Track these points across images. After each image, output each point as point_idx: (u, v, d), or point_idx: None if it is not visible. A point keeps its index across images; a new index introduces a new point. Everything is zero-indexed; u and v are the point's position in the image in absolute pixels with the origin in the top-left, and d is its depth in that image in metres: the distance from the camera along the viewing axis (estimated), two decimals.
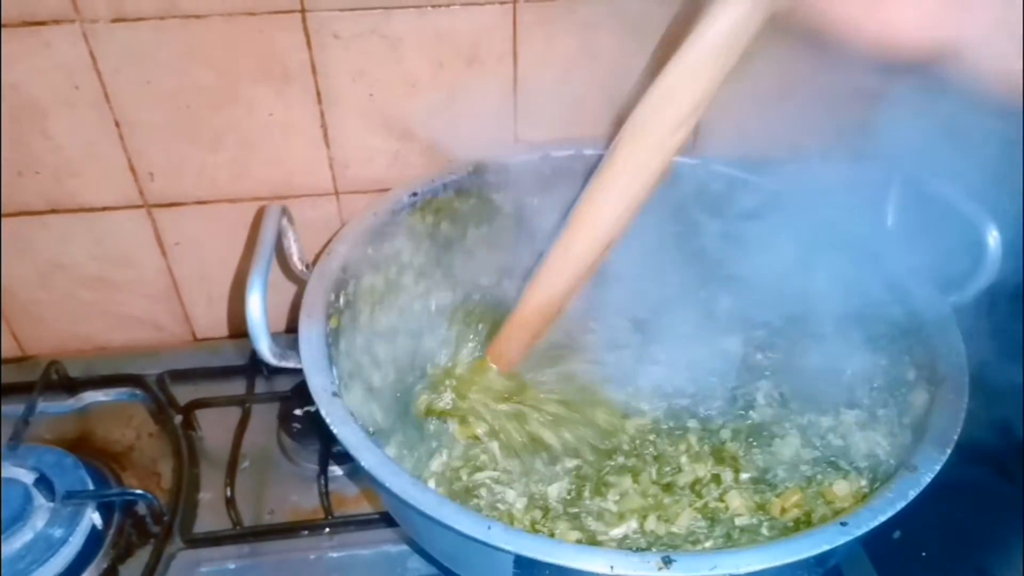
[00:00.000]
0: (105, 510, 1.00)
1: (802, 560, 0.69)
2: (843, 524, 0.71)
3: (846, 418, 0.86)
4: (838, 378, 0.90)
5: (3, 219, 1.12)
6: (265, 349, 0.81)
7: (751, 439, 0.84)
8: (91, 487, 1.01)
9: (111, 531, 1.01)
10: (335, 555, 1.00)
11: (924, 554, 0.97)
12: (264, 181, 1.14)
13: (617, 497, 0.80)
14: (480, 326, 0.96)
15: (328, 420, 0.79)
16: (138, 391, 1.18)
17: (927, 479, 0.74)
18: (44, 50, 0.99)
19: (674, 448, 0.85)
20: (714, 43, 0.72)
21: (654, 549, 0.74)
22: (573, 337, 0.99)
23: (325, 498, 1.02)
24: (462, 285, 1.00)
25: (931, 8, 0.61)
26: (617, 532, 0.76)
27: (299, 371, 0.84)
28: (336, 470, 1.08)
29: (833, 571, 0.90)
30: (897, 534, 0.94)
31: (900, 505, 0.72)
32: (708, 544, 0.75)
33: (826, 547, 0.69)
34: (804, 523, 0.76)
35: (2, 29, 0.97)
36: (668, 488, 0.81)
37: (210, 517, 1.04)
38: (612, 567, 0.67)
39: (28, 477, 0.99)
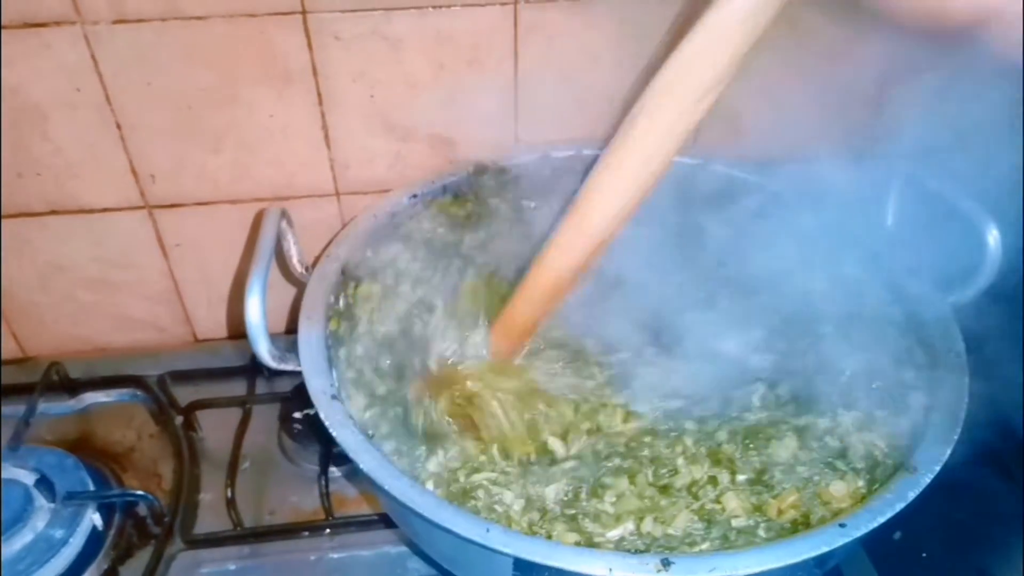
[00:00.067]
0: (106, 511, 1.01)
1: (801, 562, 0.69)
2: (842, 525, 0.71)
3: (844, 419, 0.85)
4: (836, 380, 0.90)
5: (4, 220, 1.12)
6: (264, 352, 0.81)
7: (747, 441, 0.84)
8: (92, 488, 1.02)
9: (112, 532, 1.01)
10: (335, 556, 1.00)
11: (924, 555, 0.97)
12: (265, 182, 1.14)
13: (614, 499, 0.80)
14: (481, 319, 0.95)
15: (327, 423, 0.79)
16: (139, 392, 1.18)
17: (926, 480, 0.74)
18: (45, 52, 0.99)
19: (670, 450, 0.84)
20: (744, 5, 0.70)
21: (651, 551, 0.74)
22: (570, 339, 0.98)
23: (326, 499, 1.02)
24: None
25: None
26: (614, 534, 0.76)
27: (299, 373, 0.84)
28: (337, 471, 1.08)
29: (833, 572, 0.90)
30: (897, 535, 0.95)
31: (899, 506, 0.73)
32: (705, 546, 0.75)
33: (825, 548, 0.70)
34: (802, 524, 0.76)
35: (3, 31, 0.97)
36: (665, 490, 0.81)
37: (211, 518, 1.04)
38: (611, 569, 0.67)
39: (29, 478, 0.99)
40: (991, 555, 0.98)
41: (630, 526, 0.77)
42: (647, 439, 0.86)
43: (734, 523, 0.77)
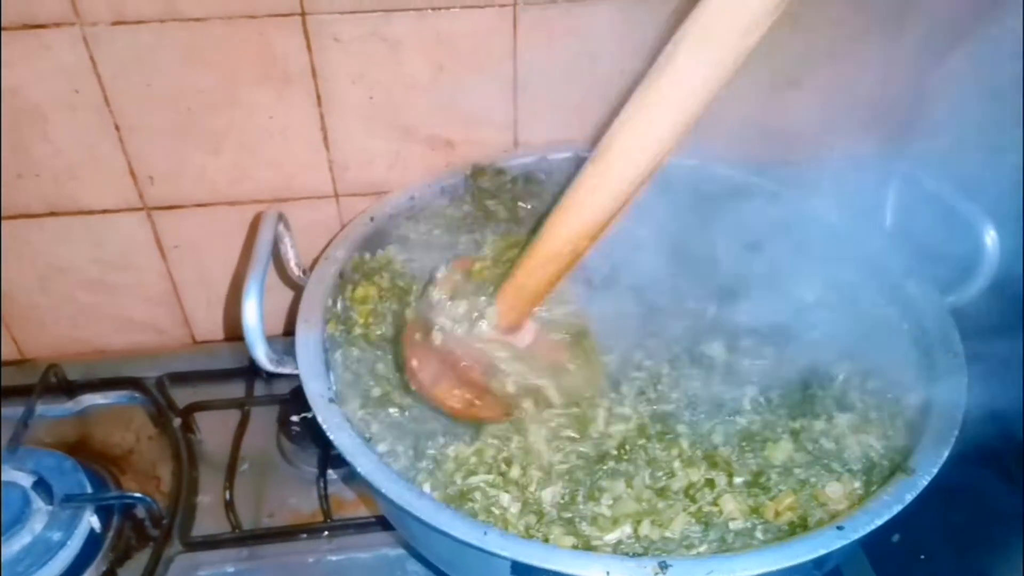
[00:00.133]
0: (104, 513, 1.01)
1: (800, 564, 0.69)
2: (840, 528, 0.71)
3: (839, 421, 0.85)
4: (831, 383, 0.90)
5: (3, 222, 1.12)
6: (262, 356, 0.81)
7: (744, 443, 0.84)
8: (90, 490, 1.02)
9: (110, 534, 1.01)
10: (334, 558, 1.00)
11: (923, 556, 0.97)
12: (264, 184, 1.14)
13: (611, 502, 0.79)
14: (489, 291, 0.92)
15: (325, 426, 0.79)
16: (137, 394, 1.18)
17: (924, 482, 0.74)
18: (44, 53, 0.99)
19: (666, 453, 0.84)
20: None
21: (649, 554, 0.74)
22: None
23: (324, 501, 1.02)
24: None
25: None
26: (611, 537, 0.76)
27: (297, 375, 0.84)
28: (335, 473, 1.08)
29: (832, 574, 0.90)
30: (896, 536, 0.95)
31: (897, 508, 0.72)
32: (703, 548, 0.75)
33: (823, 551, 0.70)
34: (799, 527, 0.76)
35: (2, 32, 0.97)
36: (662, 493, 0.80)
37: (209, 520, 1.04)
38: (608, 573, 0.68)
39: (27, 480, 0.99)
40: (991, 556, 0.99)
41: (627, 529, 0.77)
42: (641, 442, 0.85)
43: (731, 526, 0.77)
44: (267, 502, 1.07)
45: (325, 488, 1.02)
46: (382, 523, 1.01)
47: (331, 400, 0.82)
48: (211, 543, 1.01)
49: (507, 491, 0.80)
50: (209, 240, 1.19)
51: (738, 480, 0.81)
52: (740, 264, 1.00)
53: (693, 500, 0.79)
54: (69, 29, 0.98)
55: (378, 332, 0.96)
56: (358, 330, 0.96)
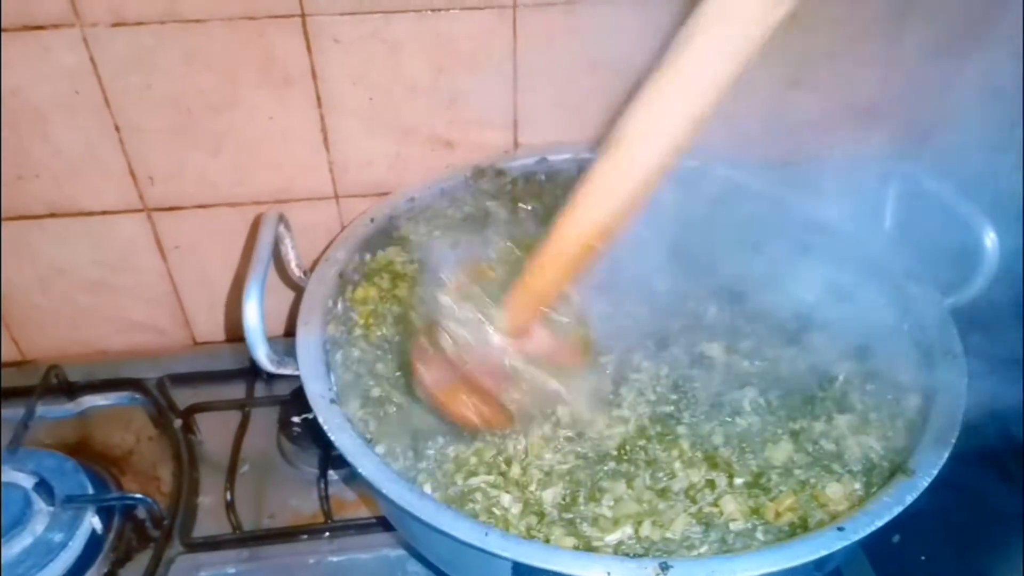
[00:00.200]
0: (105, 514, 1.01)
1: (800, 565, 0.69)
2: (840, 529, 0.71)
3: (838, 422, 0.85)
4: (831, 384, 0.90)
5: (3, 223, 1.12)
6: (263, 357, 0.82)
7: (744, 444, 0.84)
8: (91, 491, 1.02)
9: (111, 535, 1.01)
10: (335, 559, 1.00)
11: (924, 557, 0.97)
12: (264, 185, 1.14)
13: (612, 503, 0.79)
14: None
15: (326, 427, 0.79)
16: (138, 395, 1.18)
17: (924, 483, 0.74)
18: (44, 55, 0.99)
19: (667, 454, 0.84)
20: None
21: (650, 555, 0.74)
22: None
23: (325, 502, 1.02)
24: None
25: None
26: (612, 538, 0.76)
27: (298, 376, 0.84)
28: (336, 474, 1.08)
29: (833, 575, 0.90)
30: (897, 537, 0.95)
31: (897, 510, 0.73)
32: (703, 549, 0.75)
33: (824, 552, 0.70)
34: (800, 527, 0.76)
35: (2, 33, 0.97)
36: (663, 494, 0.81)
37: (210, 521, 1.04)
38: (609, 573, 0.68)
39: (28, 481, 0.99)
40: (991, 556, 0.99)
41: (628, 530, 0.77)
42: (641, 443, 0.85)
43: (732, 526, 0.77)
44: (268, 503, 1.07)
45: (326, 489, 1.02)
46: (383, 524, 1.01)
47: (332, 401, 0.82)
48: (212, 544, 1.01)
49: (508, 492, 0.80)
50: (209, 241, 1.19)
51: (738, 481, 0.81)
52: (740, 265, 1.00)
53: (694, 501, 0.79)
54: (69, 30, 0.98)
55: (378, 333, 0.96)
56: (358, 331, 0.96)
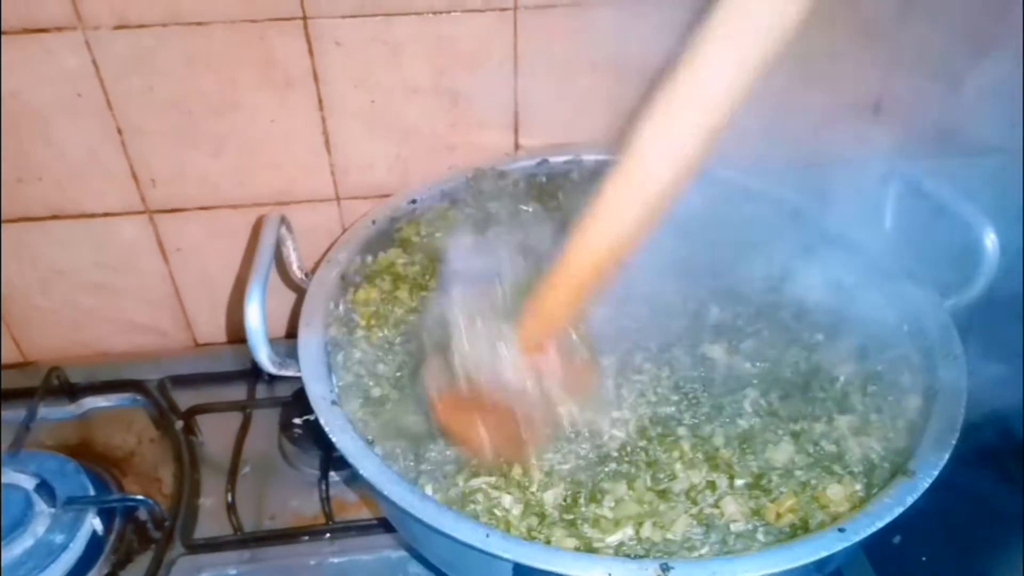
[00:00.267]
0: (106, 516, 1.01)
1: (801, 566, 0.70)
2: (841, 530, 0.71)
3: (839, 423, 0.85)
4: (831, 385, 0.90)
5: (5, 225, 1.12)
6: (264, 358, 0.82)
7: (744, 445, 0.84)
8: (92, 493, 1.02)
9: (112, 537, 1.01)
10: (336, 561, 1.00)
11: (924, 558, 0.97)
12: (266, 187, 1.15)
13: (612, 504, 0.80)
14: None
15: (327, 429, 0.79)
16: (139, 396, 1.18)
17: (925, 484, 0.75)
18: (46, 57, 1.00)
19: (668, 455, 0.84)
20: None
21: (651, 556, 0.74)
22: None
23: (326, 503, 1.02)
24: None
25: None
26: (613, 539, 0.76)
27: (299, 378, 0.84)
28: (337, 476, 1.08)
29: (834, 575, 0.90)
30: (897, 538, 0.95)
31: (898, 511, 0.73)
32: (704, 551, 0.75)
33: (824, 553, 0.70)
34: (801, 529, 0.76)
35: (3, 36, 0.97)
36: (663, 495, 0.81)
37: (211, 523, 1.04)
38: (610, 574, 0.68)
39: (29, 483, 0.99)
40: (991, 557, 0.99)
41: (629, 531, 0.77)
42: (642, 443, 0.85)
43: (733, 528, 0.77)
44: (269, 504, 1.07)
45: (327, 490, 1.02)
46: (384, 525, 1.01)
47: (333, 402, 0.82)
48: (213, 545, 1.01)
49: (509, 493, 0.80)
50: (211, 243, 1.19)
51: (739, 482, 0.81)
52: (740, 266, 1.00)
53: (694, 502, 0.79)
54: (71, 33, 0.98)
55: (380, 334, 0.96)
56: (360, 332, 0.96)
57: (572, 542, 0.75)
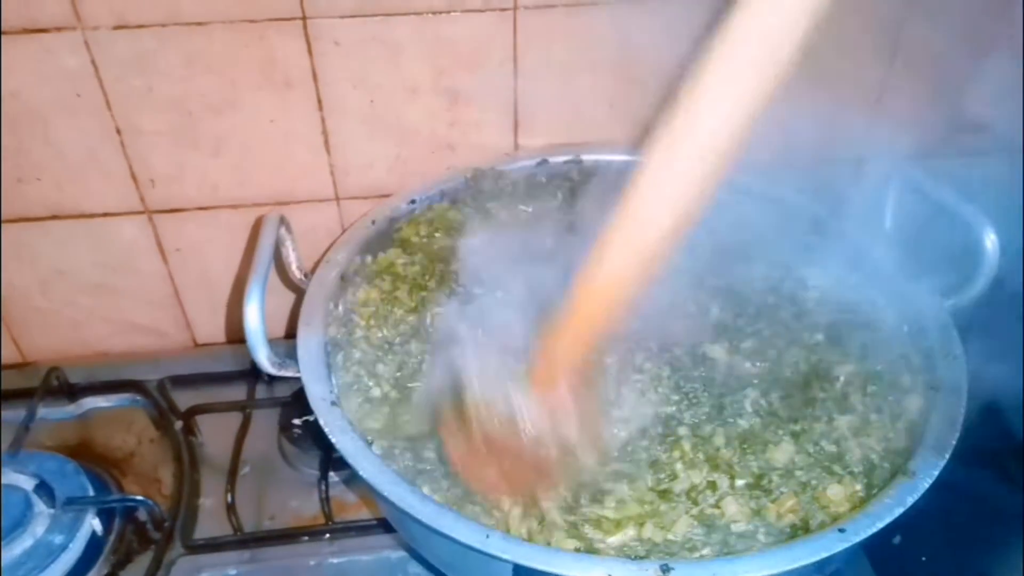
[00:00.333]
0: (106, 516, 1.01)
1: (801, 567, 0.69)
2: (841, 531, 0.71)
3: (839, 423, 0.85)
4: (831, 385, 0.90)
5: (4, 225, 1.12)
6: (264, 359, 0.82)
7: (745, 445, 0.84)
8: (91, 493, 1.02)
9: (111, 537, 1.01)
10: (335, 561, 1.00)
11: (924, 558, 0.97)
12: (265, 187, 1.15)
13: (614, 504, 0.80)
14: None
15: (327, 429, 0.79)
16: (139, 397, 1.18)
17: (925, 485, 0.74)
18: (46, 57, 1.00)
19: (668, 455, 0.84)
20: None
21: (652, 557, 0.74)
22: None
23: (326, 504, 1.02)
24: (457, 296, 1.00)
25: None
26: (615, 540, 0.76)
27: (299, 378, 0.84)
28: (337, 476, 1.08)
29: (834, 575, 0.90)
30: (897, 539, 0.95)
31: (898, 511, 0.73)
32: (706, 551, 0.75)
33: (825, 554, 0.70)
34: (801, 529, 0.76)
35: (3, 36, 0.97)
36: (665, 495, 0.81)
37: (211, 523, 1.04)
38: (610, 575, 0.68)
39: (28, 483, 0.99)
40: (991, 556, 0.99)
41: (631, 532, 0.77)
42: (644, 443, 0.85)
43: (734, 528, 0.77)
44: (268, 504, 1.07)
45: (327, 490, 1.02)
46: (384, 525, 1.01)
47: (333, 403, 0.82)
48: (213, 546, 1.01)
49: None
50: (210, 243, 1.19)
51: (740, 482, 0.81)
52: (740, 266, 1.00)
53: (695, 502, 0.79)
54: (71, 33, 0.98)
55: (379, 334, 0.96)
56: (359, 332, 0.96)
57: (573, 543, 0.75)
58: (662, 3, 1.02)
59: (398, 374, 0.93)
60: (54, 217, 1.13)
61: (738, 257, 1.00)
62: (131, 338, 1.28)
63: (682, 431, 0.86)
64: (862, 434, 0.85)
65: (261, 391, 1.19)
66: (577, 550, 0.74)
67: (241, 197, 1.15)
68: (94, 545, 0.98)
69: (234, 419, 1.14)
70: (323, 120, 1.09)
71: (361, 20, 1.02)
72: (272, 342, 0.83)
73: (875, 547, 0.94)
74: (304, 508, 1.06)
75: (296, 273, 1.00)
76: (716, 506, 0.79)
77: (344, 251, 1.00)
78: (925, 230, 0.97)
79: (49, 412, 1.16)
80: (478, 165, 1.12)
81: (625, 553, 0.74)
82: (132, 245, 1.17)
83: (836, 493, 0.79)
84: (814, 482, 0.80)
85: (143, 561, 0.99)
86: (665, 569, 0.68)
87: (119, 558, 1.00)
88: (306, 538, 1.02)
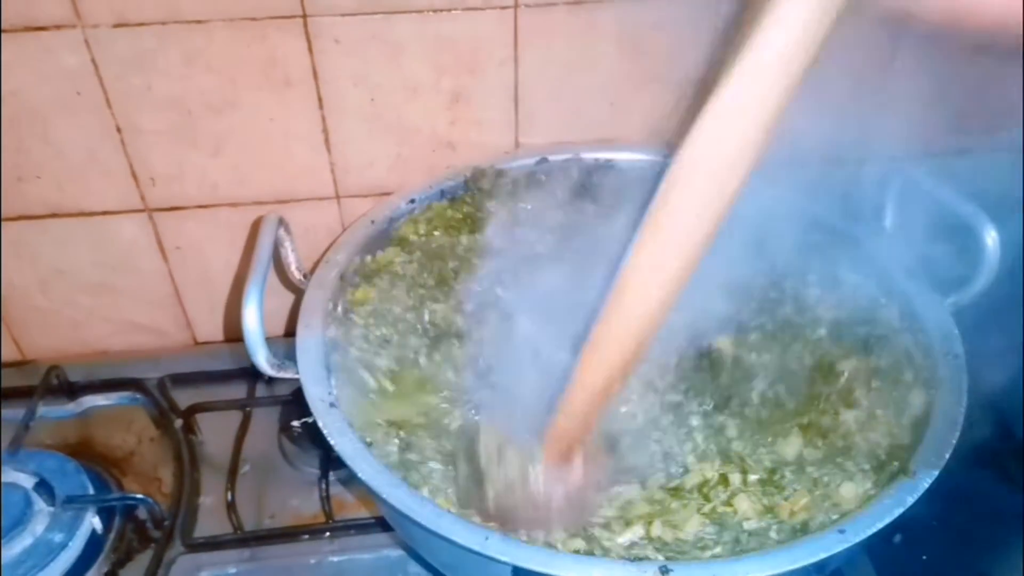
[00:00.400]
0: (105, 515, 1.01)
1: (800, 568, 0.69)
2: (841, 531, 0.71)
3: (845, 418, 0.85)
4: (835, 380, 0.90)
5: (4, 224, 1.12)
6: (262, 361, 0.82)
7: (756, 437, 0.84)
8: (91, 492, 1.02)
9: (111, 536, 1.01)
10: (335, 559, 1.00)
11: (925, 557, 0.97)
12: (265, 186, 1.15)
13: (623, 503, 0.80)
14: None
15: (326, 431, 0.79)
16: (139, 395, 1.18)
17: (925, 484, 0.74)
18: (45, 56, 0.99)
19: (680, 448, 0.84)
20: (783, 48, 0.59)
21: (661, 556, 0.74)
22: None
23: (326, 502, 1.02)
24: (455, 294, 1.00)
25: None
26: (623, 540, 0.76)
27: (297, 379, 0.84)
28: (337, 475, 1.08)
29: (834, 575, 0.90)
30: (898, 537, 0.95)
31: (898, 512, 0.72)
32: (717, 550, 0.75)
33: (824, 555, 0.70)
34: (805, 529, 0.76)
35: (2, 34, 0.97)
36: (675, 492, 0.80)
37: (211, 522, 1.04)
38: None
39: (28, 482, 0.99)
40: (991, 557, 0.99)
41: (640, 531, 0.77)
42: (656, 436, 0.85)
43: (746, 526, 0.77)
44: (269, 503, 1.07)
45: (327, 489, 1.02)
46: (383, 524, 1.01)
47: (332, 405, 0.82)
48: (213, 544, 1.01)
49: None
50: (210, 241, 1.19)
51: (752, 478, 0.80)
52: (741, 263, 1.00)
53: (707, 499, 0.79)
54: (70, 31, 0.98)
55: (377, 332, 0.96)
56: (358, 331, 0.96)
57: (579, 543, 0.75)
58: (663, 1, 1.02)
59: (395, 368, 0.93)
60: (54, 216, 1.13)
61: (738, 254, 1.00)
62: (131, 336, 1.28)
63: (695, 422, 0.86)
64: (868, 429, 0.84)
65: (261, 390, 1.19)
66: (577, 551, 0.74)
67: (241, 195, 1.15)
68: (94, 543, 0.98)
69: (234, 418, 1.14)
70: (323, 119, 1.09)
71: (361, 18, 1.02)
72: (272, 341, 0.83)
73: (875, 547, 0.94)
74: (304, 507, 1.06)
75: (295, 274, 1.00)
76: (728, 504, 0.78)
77: (343, 251, 1.00)
78: (925, 230, 0.97)
79: (49, 410, 1.16)
80: (478, 164, 1.12)
81: (633, 553, 0.74)
82: (132, 244, 1.17)
83: (848, 491, 0.78)
84: (826, 479, 0.80)
85: (143, 560, 0.99)
86: (664, 570, 0.67)
87: (119, 556, 1.00)
88: (306, 537, 1.02)
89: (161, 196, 1.13)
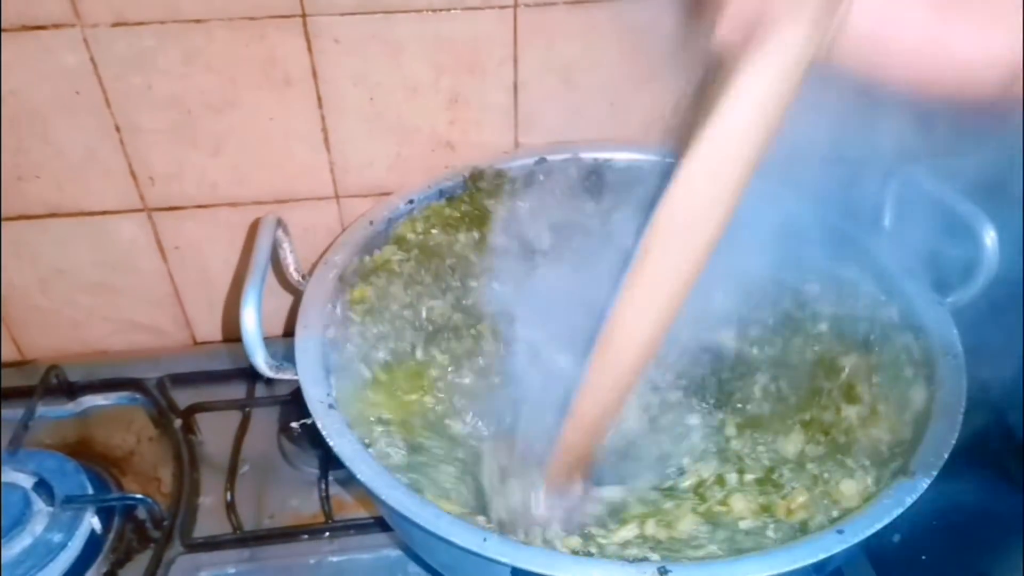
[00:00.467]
0: (105, 515, 1.01)
1: (799, 568, 0.69)
2: (840, 532, 0.71)
3: (847, 414, 0.85)
4: (837, 376, 0.90)
5: (3, 223, 1.12)
6: (261, 362, 0.82)
7: (755, 434, 0.84)
8: (91, 492, 1.02)
9: (111, 536, 1.01)
10: (335, 559, 1.00)
11: (924, 557, 0.97)
12: (265, 185, 1.14)
13: (618, 503, 0.80)
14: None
15: (324, 432, 0.79)
16: (138, 395, 1.18)
17: (925, 484, 0.74)
18: (45, 55, 0.99)
19: (675, 447, 0.84)
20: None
21: (656, 555, 0.74)
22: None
23: (326, 503, 1.02)
24: (452, 291, 1.00)
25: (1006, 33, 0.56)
26: (618, 538, 0.76)
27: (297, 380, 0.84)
28: (336, 475, 1.08)
29: (833, 575, 0.90)
30: (897, 537, 0.94)
31: (897, 512, 0.72)
32: (712, 548, 0.75)
33: (823, 555, 0.70)
34: (804, 528, 0.76)
35: (2, 33, 0.97)
36: (669, 492, 0.80)
37: (210, 522, 1.04)
38: None
39: (27, 482, 0.99)
40: (991, 557, 0.99)
41: (634, 529, 0.77)
42: (654, 436, 0.85)
43: (742, 525, 0.77)
44: (268, 503, 1.07)
45: (326, 489, 1.02)
46: (383, 524, 1.01)
47: (331, 406, 0.82)
48: (212, 544, 1.01)
49: None
50: (210, 241, 1.19)
51: (749, 477, 0.80)
52: (741, 260, 1.00)
53: (703, 499, 0.79)
54: (70, 31, 0.98)
55: (375, 330, 0.96)
56: (355, 329, 0.96)
57: (575, 542, 0.75)
58: (663, 1, 1.02)
59: (391, 360, 0.93)
60: (53, 215, 1.13)
61: (739, 252, 1.00)
62: (130, 336, 1.28)
63: (693, 420, 0.86)
64: (870, 424, 0.84)
65: (261, 389, 1.19)
66: (575, 552, 0.74)
67: (241, 195, 1.15)
68: (93, 543, 0.98)
69: (234, 417, 1.14)
70: (323, 118, 1.09)
71: (361, 18, 1.02)
72: (271, 341, 0.83)
73: (875, 547, 0.94)
74: (304, 507, 1.06)
75: (294, 275, 1.00)
76: (723, 503, 0.78)
77: (342, 252, 1.00)
78: (925, 229, 0.97)
79: (48, 410, 1.16)
80: (476, 163, 1.12)
81: (629, 552, 0.74)
82: (131, 243, 1.17)
83: (849, 488, 0.78)
84: (826, 475, 0.80)
85: (142, 559, 0.99)
86: (663, 571, 0.67)
87: (118, 556, 1.00)
88: (306, 537, 1.02)
89: (160, 196, 1.13)
